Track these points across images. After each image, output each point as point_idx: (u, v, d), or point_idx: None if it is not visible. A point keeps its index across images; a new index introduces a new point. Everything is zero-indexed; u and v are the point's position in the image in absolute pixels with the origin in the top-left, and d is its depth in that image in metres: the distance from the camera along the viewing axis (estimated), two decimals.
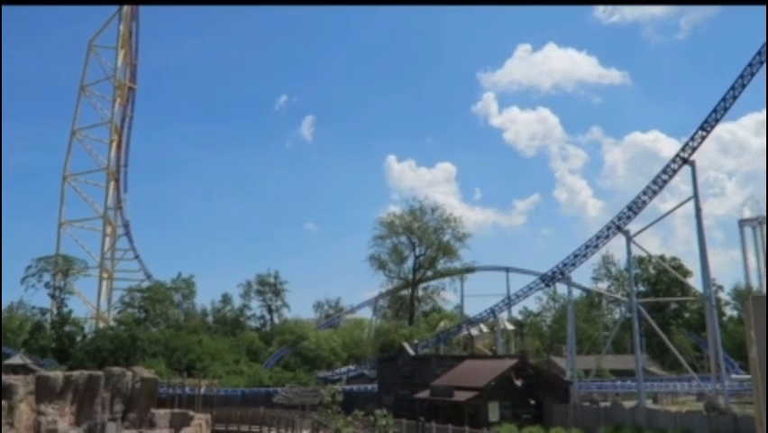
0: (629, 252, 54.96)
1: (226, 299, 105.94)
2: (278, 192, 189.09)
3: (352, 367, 76.92)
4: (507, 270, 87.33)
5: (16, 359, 60.78)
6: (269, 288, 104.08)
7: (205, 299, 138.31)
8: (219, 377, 68.47)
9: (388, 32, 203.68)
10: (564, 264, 58.15)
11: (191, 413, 52.07)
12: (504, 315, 75.20)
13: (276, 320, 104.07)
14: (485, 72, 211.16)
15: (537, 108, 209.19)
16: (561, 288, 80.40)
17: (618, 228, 55.03)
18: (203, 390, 58.86)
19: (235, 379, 68.93)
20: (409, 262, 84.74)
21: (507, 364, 47.17)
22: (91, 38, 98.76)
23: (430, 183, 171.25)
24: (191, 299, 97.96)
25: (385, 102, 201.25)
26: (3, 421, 43.46)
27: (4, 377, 49.19)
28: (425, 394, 47.04)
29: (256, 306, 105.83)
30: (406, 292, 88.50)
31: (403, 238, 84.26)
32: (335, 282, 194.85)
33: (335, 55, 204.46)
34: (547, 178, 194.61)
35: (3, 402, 43.62)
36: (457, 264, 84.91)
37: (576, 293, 78.81)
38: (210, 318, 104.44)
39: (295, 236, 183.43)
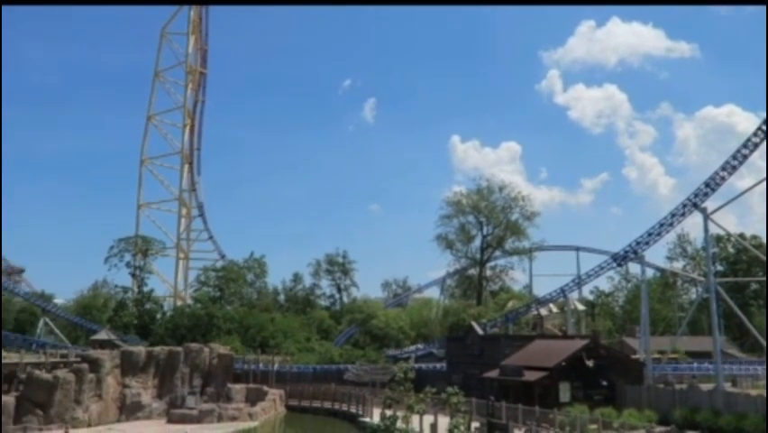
0: (706, 230, 52.88)
1: (297, 278, 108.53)
2: (343, 174, 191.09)
3: (420, 346, 77.46)
4: (577, 249, 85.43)
5: (102, 335, 64.16)
6: (338, 267, 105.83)
7: (276, 278, 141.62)
8: (291, 354, 70.39)
9: (449, 12, 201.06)
10: (637, 243, 56.51)
11: (265, 388, 53.89)
12: (574, 295, 73.88)
13: (345, 299, 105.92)
14: (546, 51, 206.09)
15: (603, 85, 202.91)
16: (633, 267, 78.40)
17: (695, 205, 53.01)
18: (276, 366, 60.62)
19: (307, 356, 70.65)
20: (477, 242, 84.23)
21: (577, 345, 46.55)
22: (163, 25, 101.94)
23: (494, 163, 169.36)
24: (263, 278, 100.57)
25: (447, 83, 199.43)
26: (92, 392, 46.08)
27: (92, 351, 52.14)
28: (494, 374, 47.01)
29: (326, 285, 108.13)
30: (473, 272, 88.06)
31: (470, 217, 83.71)
32: (402, 262, 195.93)
33: (397, 37, 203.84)
34: (615, 156, 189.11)
35: (91, 375, 46.20)
36: (525, 244, 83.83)
37: (650, 273, 76.71)
38: (282, 297, 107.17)
39: (360, 217, 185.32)
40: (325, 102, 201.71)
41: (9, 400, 41.53)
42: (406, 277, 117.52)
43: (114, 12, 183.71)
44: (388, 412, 23.12)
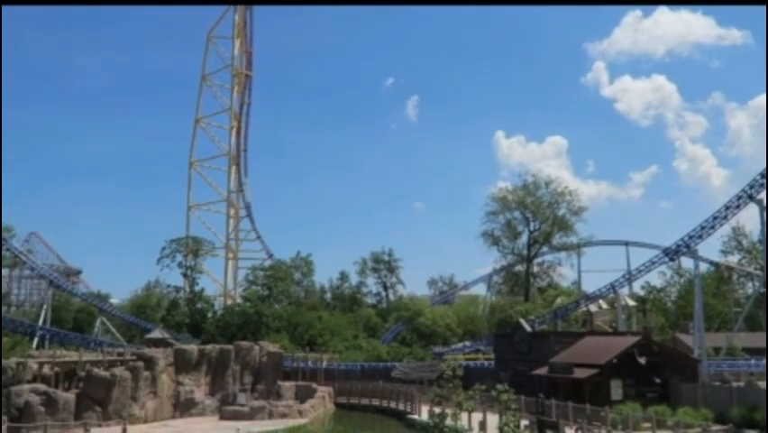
0: (763, 222, 51.25)
1: (343, 276, 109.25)
2: (387, 172, 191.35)
3: (467, 343, 77.16)
4: (627, 244, 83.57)
5: (156, 333, 65.80)
6: (384, 265, 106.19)
7: (322, 276, 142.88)
8: (339, 352, 70.92)
9: (491, 7, 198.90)
10: (690, 237, 55.17)
11: (314, 386, 54.50)
12: (624, 290, 72.45)
13: (391, 297, 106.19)
14: (591, 42, 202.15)
15: (651, 76, 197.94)
16: (686, 262, 76.43)
17: (750, 197, 51.42)
18: (324, 364, 61.19)
19: (354, 354, 71.10)
20: (523, 238, 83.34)
21: (629, 341, 45.65)
22: (209, 29, 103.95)
23: (540, 158, 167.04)
24: (310, 276, 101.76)
25: (491, 78, 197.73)
26: (148, 390, 47.40)
27: (146, 350, 53.60)
28: (543, 371, 46.51)
29: (372, 283, 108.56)
30: (520, 268, 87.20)
31: (516, 213, 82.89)
32: (447, 259, 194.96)
33: (439, 34, 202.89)
34: (665, 148, 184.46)
35: (147, 372, 47.52)
36: (573, 239, 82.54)
37: (703, 267, 74.65)
38: (328, 295, 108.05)
39: (405, 215, 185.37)
40: (368, 100, 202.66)
41: (70, 396, 43.06)
42: (452, 274, 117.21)
43: (161, 16, 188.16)
44: (437, 410, 23.16)
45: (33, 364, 45.10)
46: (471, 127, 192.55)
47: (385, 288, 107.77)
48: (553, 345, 50.41)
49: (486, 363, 61.22)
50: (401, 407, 48.59)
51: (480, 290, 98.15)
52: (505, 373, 51.63)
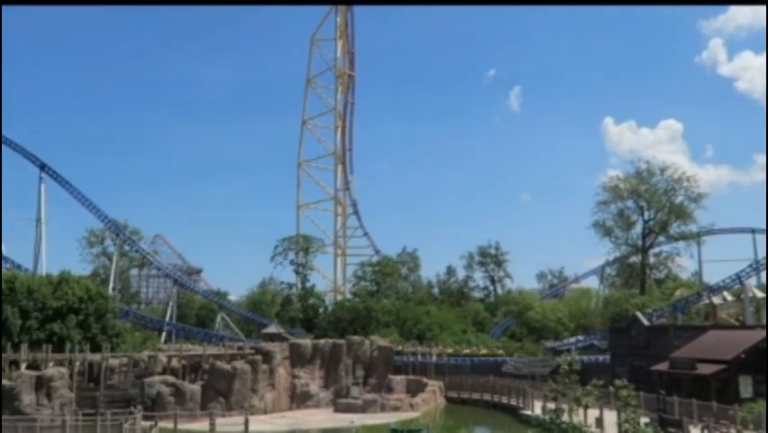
0: None
1: (450, 271, 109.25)
2: (491, 165, 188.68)
3: (580, 338, 75.08)
4: (753, 231, 78.29)
5: (271, 328, 68.55)
6: (491, 259, 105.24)
7: (429, 271, 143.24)
8: (448, 346, 70.97)
9: None
10: None
11: (425, 380, 54.86)
12: (752, 281, 67.98)
13: (499, 291, 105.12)
14: (706, 20, 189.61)
15: None
16: None
17: None
18: (434, 358, 61.47)
19: (463, 348, 70.87)
20: (638, 228, 79.92)
21: (758, 336, 42.72)
22: (313, 33, 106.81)
23: (653, 143, 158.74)
24: (417, 271, 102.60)
25: (596, 64, 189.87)
26: (266, 382, 49.52)
27: (264, 344, 55.96)
28: (663, 366, 44.46)
29: (479, 277, 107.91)
30: (635, 259, 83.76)
31: (629, 202, 79.58)
32: (556, 252, 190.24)
33: (539, 22, 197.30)
34: None
35: (264, 366, 49.65)
36: (692, 228, 78.23)
37: None
38: (436, 290, 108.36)
39: (511, 207, 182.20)
40: (470, 94, 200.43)
41: (196, 388, 45.79)
42: (561, 267, 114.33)
43: (266, 22, 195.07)
44: (551, 405, 22.62)
45: (163, 358, 48.46)
46: (578, 115, 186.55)
47: (492, 282, 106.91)
48: (673, 339, 48.15)
49: (600, 358, 59.31)
50: (513, 402, 47.98)
51: (593, 282, 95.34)
52: (621, 368, 49.80)
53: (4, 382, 41.60)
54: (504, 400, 49.97)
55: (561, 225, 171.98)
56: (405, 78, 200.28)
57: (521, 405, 46.12)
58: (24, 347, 45.85)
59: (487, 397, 52.75)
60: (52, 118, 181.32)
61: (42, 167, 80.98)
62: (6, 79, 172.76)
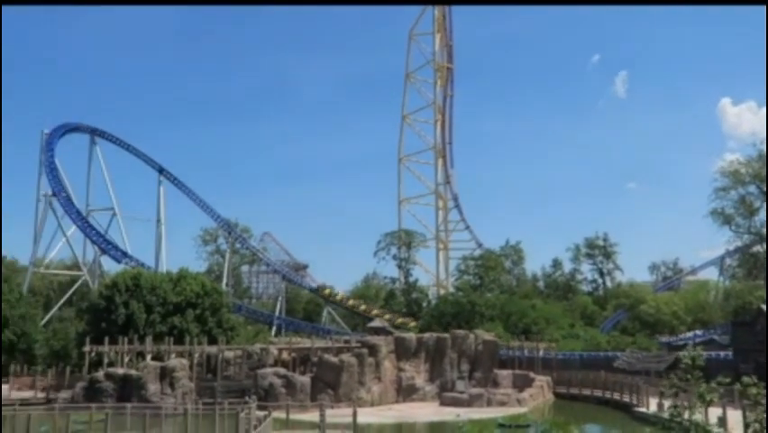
0: None
1: (556, 263, 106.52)
2: (596, 153, 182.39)
3: (698, 332, 71.16)
4: None
5: (376, 322, 69.58)
6: (599, 250, 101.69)
7: (534, 264, 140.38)
8: (555, 341, 69.30)
9: None
10: None
11: (532, 375, 53.81)
12: None
13: (609, 284, 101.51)
14: None
15: None
16: None
17: None
18: (541, 353, 60.18)
19: (571, 343, 69.07)
20: (761, 215, 74.67)
21: None
22: (411, 28, 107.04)
23: None
24: (521, 264, 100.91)
25: (710, 42, 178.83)
26: (373, 375, 50.33)
27: (369, 337, 56.84)
28: None
29: (587, 269, 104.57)
30: (759, 249, 78.33)
31: (752, 188, 74.41)
32: (669, 242, 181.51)
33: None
34: None
35: (371, 359, 50.44)
36: None
37: None
38: (541, 283, 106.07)
39: (618, 197, 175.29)
40: (573, 80, 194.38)
41: (305, 380, 47.28)
42: (676, 258, 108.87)
43: (363, 20, 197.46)
44: (667, 403, 21.55)
45: (274, 350, 50.40)
46: (690, 98, 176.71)
47: (601, 274, 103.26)
48: None
49: (722, 354, 55.92)
50: (626, 399, 46.15)
51: (710, 274, 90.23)
52: (746, 365, 46.63)
53: (132, 371, 44.72)
54: (616, 396, 48.20)
55: (673, 215, 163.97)
56: (504, 67, 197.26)
57: (635, 402, 44.30)
58: (149, 340, 49.04)
59: (597, 393, 51.08)
60: (169, 124, 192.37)
61: (161, 170, 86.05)
62: (129, 88, 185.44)
